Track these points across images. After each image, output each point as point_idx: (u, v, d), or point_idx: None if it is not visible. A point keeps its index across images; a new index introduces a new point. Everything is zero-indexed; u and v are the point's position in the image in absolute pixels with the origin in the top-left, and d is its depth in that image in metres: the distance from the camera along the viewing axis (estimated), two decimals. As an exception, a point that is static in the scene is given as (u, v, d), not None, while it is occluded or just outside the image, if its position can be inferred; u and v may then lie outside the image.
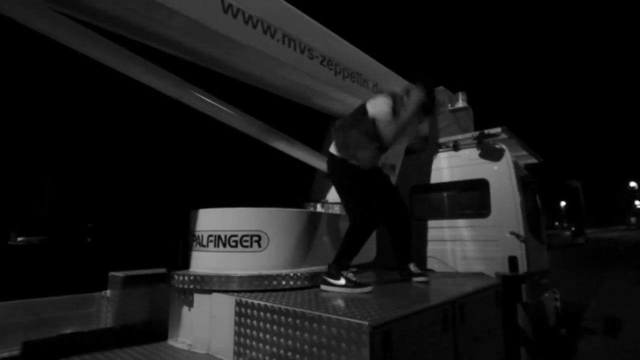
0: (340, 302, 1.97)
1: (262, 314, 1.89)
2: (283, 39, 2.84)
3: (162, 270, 2.75)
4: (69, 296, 3.00)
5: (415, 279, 2.85)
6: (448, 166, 4.27)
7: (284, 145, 3.38)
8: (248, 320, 1.95)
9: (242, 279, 2.21)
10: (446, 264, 4.04)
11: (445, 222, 4.18)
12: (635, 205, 69.23)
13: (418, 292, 2.36)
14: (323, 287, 2.36)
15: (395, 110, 2.76)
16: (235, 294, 2.14)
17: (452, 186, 4.25)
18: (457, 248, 4.04)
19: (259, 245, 2.36)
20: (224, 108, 3.05)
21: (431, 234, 4.24)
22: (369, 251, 3.50)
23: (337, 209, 3.45)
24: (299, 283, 2.33)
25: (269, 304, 1.87)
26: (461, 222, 4.08)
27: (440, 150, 4.33)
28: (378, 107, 2.79)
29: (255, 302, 1.94)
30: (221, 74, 3.02)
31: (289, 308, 1.77)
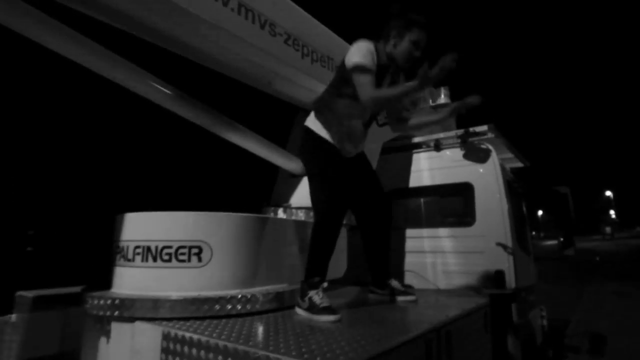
0: (299, 335, 1.63)
1: (194, 351, 1.52)
2: (238, 9, 2.50)
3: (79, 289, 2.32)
4: (-41, 323, 2.51)
5: (400, 298, 2.55)
6: (428, 168, 4.02)
7: (240, 139, 3.02)
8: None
9: (174, 303, 1.83)
10: (426, 279, 3.78)
11: (425, 232, 3.92)
12: (610, 215, 72.59)
13: (395, 318, 2.04)
14: (297, 310, 2.07)
15: (379, 58, 2.38)
16: (165, 322, 1.76)
17: (433, 191, 4.00)
18: (438, 261, 3.79)
19: (199, 259, 1.98)
20: (166, 91, 2.66)
21: (409, 244, 3.97)
22: (338, 264, 3.18)
23: (301, 215, 3.12)
24: (248, 307, 1.96)
25: (203, 339, 1.50)
26: (442, 232, 3.83)
27: (420, 150, 4.09)
28: (355, 52, 2.32)
29: (187, 335, 1.57)
30: (163, 49, 2.64)
31: (228, 345, 1.41)
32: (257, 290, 2.08)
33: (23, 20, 1.87)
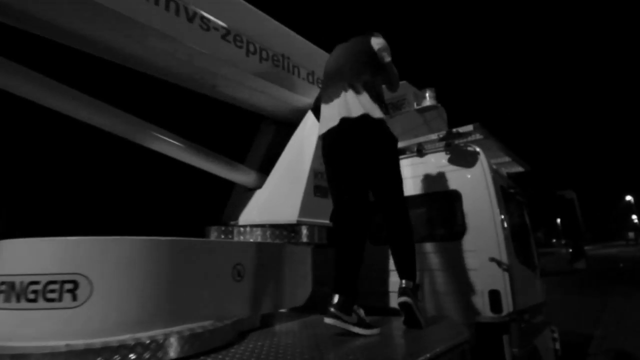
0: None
1: None
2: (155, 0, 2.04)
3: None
4: None
5: (359, 331, 1.99)
6: (412, 176, 3.42)
7: (181, 153, 2.53)
8: None
9: (28, 358, 1.31)
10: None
11: (410, 247, 3.30)
12: (632, 220, 68.36)
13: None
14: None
15: None
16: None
17: (418, 201, 3.40)
18: (426, 280, 3.16)
19: (74, 298, 1.47)
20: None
21: (392, 262, 3.35)
22: (301, 289, 2.62)
23: (257, 234, 2.57)
24: (132, 357, 1.42)
25: None
26: (429, 247, 3.21)
27: (402, 156, 3.50)
28: (387, 49, 2.47)
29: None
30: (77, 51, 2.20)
31: None
32: (154, 333, 1.54)
33: None
